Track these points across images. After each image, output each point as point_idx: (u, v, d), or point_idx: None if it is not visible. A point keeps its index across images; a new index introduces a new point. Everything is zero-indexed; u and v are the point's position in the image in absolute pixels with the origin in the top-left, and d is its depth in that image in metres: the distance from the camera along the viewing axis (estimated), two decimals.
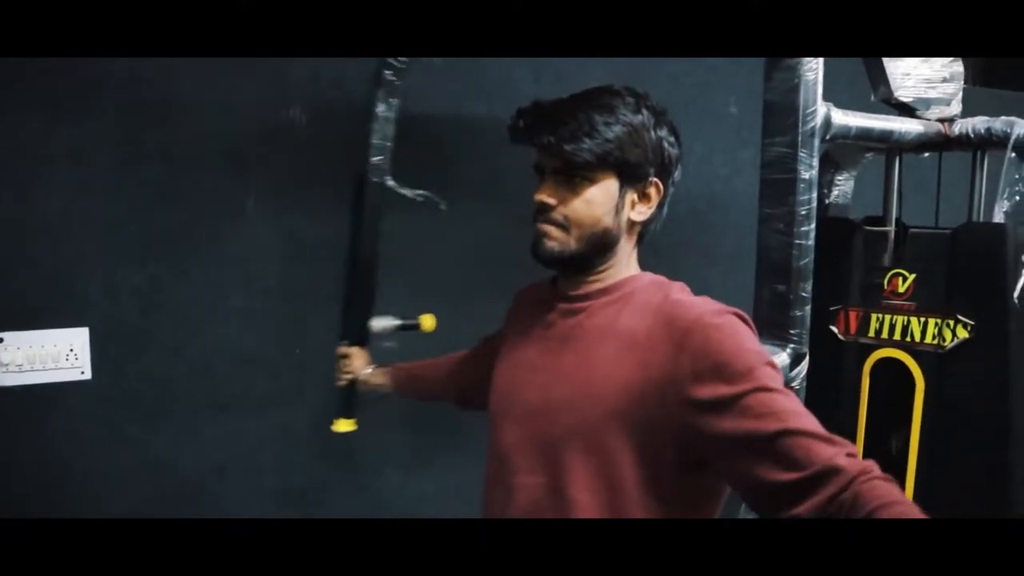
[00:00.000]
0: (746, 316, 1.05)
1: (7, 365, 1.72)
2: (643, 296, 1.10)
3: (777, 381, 0.97)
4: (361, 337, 1.69)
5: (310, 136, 1.93)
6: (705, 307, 1.04)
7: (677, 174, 1.16)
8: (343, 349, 1.68)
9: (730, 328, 1.00)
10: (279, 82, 1.89)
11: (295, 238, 1.94)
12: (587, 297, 1.14)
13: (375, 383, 1.64)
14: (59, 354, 1.76)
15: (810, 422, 0.94)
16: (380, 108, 1.64)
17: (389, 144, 1.66)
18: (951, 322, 1.72)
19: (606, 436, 1.03)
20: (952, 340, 1.73)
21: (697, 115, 2.44)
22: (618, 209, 1.11)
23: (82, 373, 1.78)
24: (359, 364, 1.66)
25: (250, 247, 1.90)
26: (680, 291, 1.11)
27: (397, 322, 1.70)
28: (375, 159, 1.65)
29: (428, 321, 1.73)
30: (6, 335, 1.72)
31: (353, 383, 1.66)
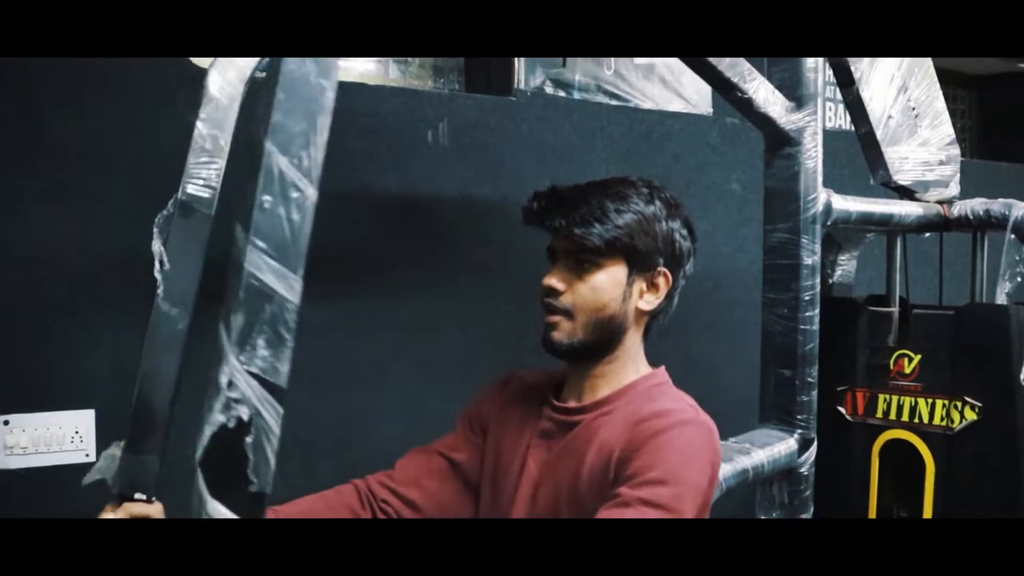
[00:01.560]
0: (710, 428, 1.06)
1: (12, 448, 1.71)
2: (632, 407, 1.10)
3: (669, 504, 0.98)
4: (158, 485, 1.11)
5: (316, 219, 1.95)
6: (667, 416, 1.04)
7: (689, 267, 1.17)
8: (138, 508, 1.09)
9: (666, 439, 1.01)
10: None
11: (303, 318, 1.95)
12: (582, 411, 1.14)
13: None
14: (64, 436, 1.76)
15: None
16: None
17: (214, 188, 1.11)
18: (959, 403, 1.72)
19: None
20: (960, 422, 1.72)
21: (699, 193, 2.47)
22: (625, 296, 1.11)
23: (87, 456, 1.77)
24: None
25: None
26: (674, 400, 1.11)
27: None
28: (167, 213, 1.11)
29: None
30: (11, 417, 1.71)
31: None
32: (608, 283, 1.10)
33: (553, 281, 1.11)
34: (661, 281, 1.13)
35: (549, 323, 1.12)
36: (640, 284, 1.12)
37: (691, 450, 1.02)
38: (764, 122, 1.49)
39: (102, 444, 1.77)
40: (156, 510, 1.11)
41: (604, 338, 1.12)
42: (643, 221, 1.10)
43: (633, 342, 1.15)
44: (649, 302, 1.13)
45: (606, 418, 1.11)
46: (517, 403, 1.22)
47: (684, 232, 1.15)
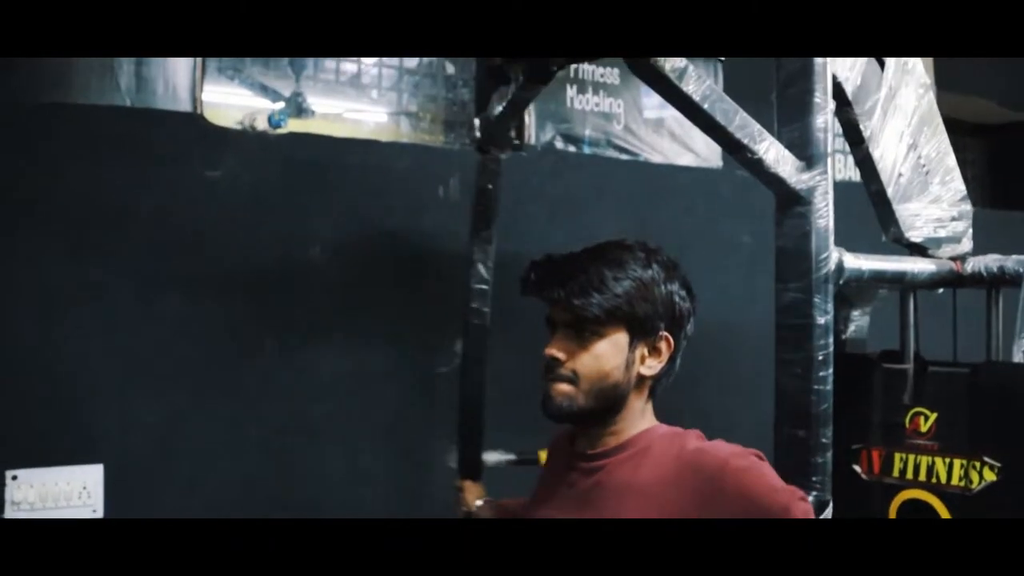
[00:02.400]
0: (763, 455, 1.08)
1: (19, 503, 1.71)
2: (660, 448, 1.10)
3: (809, 516, 1.03)
4: (473, 471, 1.78)
5: (329, 276, 1.97)
6: (726, 451, 1.06)
7: (690, 328, 1.17)
8: (459, 482, 1.74)
9: (757, 470, 1.04)
10: (300, 223, 1.95)
11: (310, 375, 1.95)
12: (604, 455, 1.13)
13: (483, 516, 1.64)
14: (72, 492, 1.75)
15: None
16: (477, 255, 1.79)
17: (487, 288, 1.79)
18: (977, 464, 1.68)
19: None
20: (979, 483, 1.68)
21: (711, 245, 2.48)
22: (628, 363, 1.11)
23: (94, 511, 1.77)
24: (471, 497, 1.67)
25: (266, 384, 1.91)
26: (697, 439, 1.11)
27: (510, 456, 1.84)
28: (474, 304, 1.80)
29: (544, 457, 1.74)
30: (20, 472, 1.71)
31: (468, 516, 1.73)
32: (610, 351, 1.10)
33: (555, 351, 1.11)
34: (663, 345, 1.13)
35: (549, 387, 1.12)
36: (642, 349, 1.12)
37: (769, 470, 1.06)
38: (774, 182, 1.48)
39: (110, 499, 1.77)
40: (469, 485, 1.70)
41: (606, 405, 1.12)
42: (642, 287, 1.10)
43: (636, 405, 1.14)
44: (651, 367, 1.13)
45: (634, 462, 1.10)
46: (552, 459, 1.26)
47: (683, 293, 1.15)
